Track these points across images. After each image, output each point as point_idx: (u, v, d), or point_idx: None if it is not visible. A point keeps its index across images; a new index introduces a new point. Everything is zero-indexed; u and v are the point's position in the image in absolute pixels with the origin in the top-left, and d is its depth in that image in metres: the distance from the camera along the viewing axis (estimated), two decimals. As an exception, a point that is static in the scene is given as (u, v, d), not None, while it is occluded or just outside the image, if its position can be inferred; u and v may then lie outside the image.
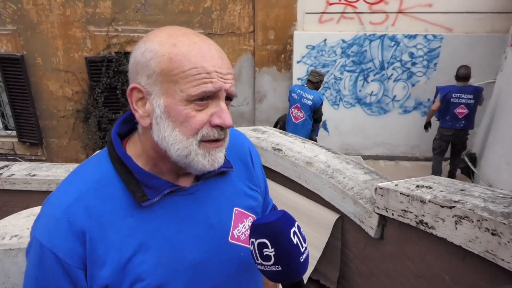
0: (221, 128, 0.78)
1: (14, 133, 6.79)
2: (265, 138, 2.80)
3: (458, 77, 4.85)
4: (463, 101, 4.80)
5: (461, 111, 4.84)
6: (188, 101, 0.75)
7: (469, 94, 4.79)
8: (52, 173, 2.97)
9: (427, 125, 5.28)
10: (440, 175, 5.16)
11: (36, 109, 6.47)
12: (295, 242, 0.75)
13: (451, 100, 4.83)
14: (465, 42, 5.32)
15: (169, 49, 0.74)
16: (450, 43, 5.36)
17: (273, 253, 0.74)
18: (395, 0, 5.34)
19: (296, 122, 4.81)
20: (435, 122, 5.23)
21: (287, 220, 0.76)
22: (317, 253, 2.33)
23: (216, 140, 0.79)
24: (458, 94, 4.81)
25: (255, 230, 0.76)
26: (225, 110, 0.78)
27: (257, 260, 0.76)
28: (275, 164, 2.63)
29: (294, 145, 2.66)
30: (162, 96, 0.76)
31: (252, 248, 0.77)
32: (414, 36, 5.43)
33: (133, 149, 0.84)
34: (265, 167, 2.70)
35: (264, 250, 0.74)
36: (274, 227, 0.74)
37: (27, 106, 6.40)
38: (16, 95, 6.38)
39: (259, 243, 0.75)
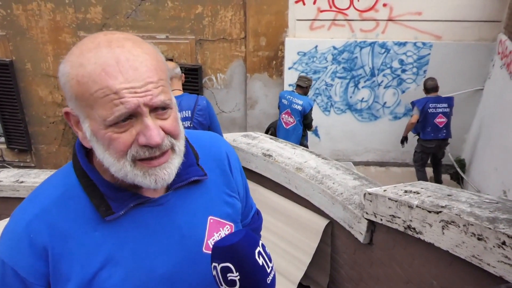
0: (150, 146, 0.71)
1: (2, 139, 6.71)
2: (255, 143, 2.80)
3: (428, 89, 4.96)
4: (440, 110, 4.89)
5: (441, 120, 4.92)
6: (106, 125, 0.68)
7: (444, 103, 4.91)
8: (41, 179, 2.94)
9: (404, 140, 5.29)
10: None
11: (25, 115, 6.41)
12: (260, 264, 0.71)
13: (429, 111, 4.88)
14: (454, 49, 5.40)
15: (77, 71, 0.68)
16: (439, 51, 5.43)
17: (238, 277, 0.70)
18: (385, 8, 5.40)
19: (287, 127, 4.82)
20: (411, 137, 5.26)
21: (250, 240, 0.73)
22: (307, 258, 2.33)
23: (151, 158, 0.72)
24: (435, 105, 4.89)
25: (217, 254, 0.72)
26: (150, 126, 0.69)
27: (221, 285, 0.73)
28: (265, 169, 2.63)
29: (284, 151, 2.66)
30: (86, 119, 0.71)
31: (214, 272, 0.73)
32: (404, 44, 5.48)
33: (99, 161, 0.78)
34: (255, 173, 2.70)
35: (228, 274, 0.71)
36: (237, 249, 0.70)
37: (16, 112, 6.34)
38: (4, 101, 6.31)
39: (222, 268, 0.71)
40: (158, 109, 0.71)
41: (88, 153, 0.82)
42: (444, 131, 4.96)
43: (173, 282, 0.82)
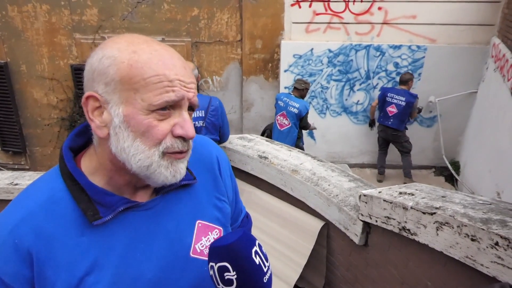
0: (184, 139, 0.76)
1: (-4, 141, 6.67)
2: (251, 146, 2.81)
3: (399, 81, 5.35)
4: (395, 101, 5.23)
5: (391, 109, 5.27)
6: (149, 110, 0.72)
7: (402, 96, 5.20)
8: (35, 181, 2.92)
9: (372, 123, 5.78)
10: (383, 169, 5.66)
11: (19, 117, 6.36)
12: (257, 263, 0.72)
13: (386, 99, 5.30)
14: (448, 52, 5.44)
15: (129, 56, 0.71)
16: (433, 54, 5.48)
17: (235, 276, 0.71)
18: (380, 12, 5.44)
19: (281, 129, 4.83)
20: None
21: (247, 240, 0.73)
22: (303, 260, 2.34)
23: (180, 152, 0.77)
24: (393, 95, 5.26)
25: (214, 253, 0.73)
26: (188, 120, 0.76)
27: (218, 285, 0.73)
28: (261, 172, 2.63)
29: (280, 153, 2.67)
30: (121, 105, 0.72)
31: (212, 272, 0.74)
32: (398, 47, 5.52)
33: (88, 164, 0.80)
34: (251, 175, 2.71)
35: (225, 274, 0.71)
36: (234, 249, 0.71)
37: (11, 114, 6.30)
38: (-1, 102, 6.27)
39: (219, 267, 0.72)
40: (189, 109, 0.78)
41: (76, 157, 0.82)
42: (391, 120, 5.29)
43: (161, 286, 0.81)
